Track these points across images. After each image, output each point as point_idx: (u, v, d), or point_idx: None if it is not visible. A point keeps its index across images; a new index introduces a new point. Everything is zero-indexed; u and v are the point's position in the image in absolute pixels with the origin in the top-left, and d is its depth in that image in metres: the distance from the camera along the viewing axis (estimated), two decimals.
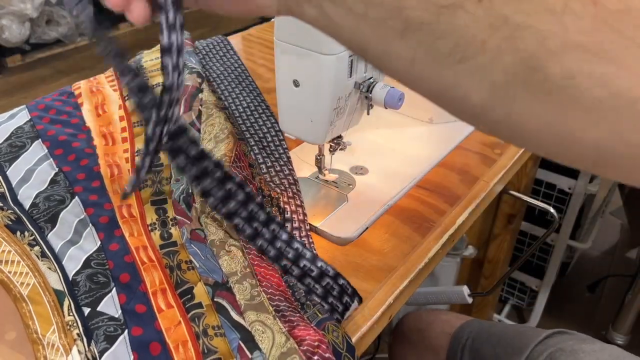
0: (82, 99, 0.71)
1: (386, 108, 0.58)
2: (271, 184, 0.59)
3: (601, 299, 1.58)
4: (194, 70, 0.71)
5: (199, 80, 0.69)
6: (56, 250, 0.52)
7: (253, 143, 0.63)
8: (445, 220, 0.60)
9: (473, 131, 0.76)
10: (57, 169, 0.60)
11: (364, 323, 0.48)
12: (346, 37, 0.28)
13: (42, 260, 0.51)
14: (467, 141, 0.74)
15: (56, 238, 0.53)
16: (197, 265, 0.50)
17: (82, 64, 2.47)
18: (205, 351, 0.44)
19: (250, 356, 0.43)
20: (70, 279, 0.49)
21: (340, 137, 0.62)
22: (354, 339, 0.46)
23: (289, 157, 0.62)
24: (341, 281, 0.47)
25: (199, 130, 0.63)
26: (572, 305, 1.56)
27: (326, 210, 0.61)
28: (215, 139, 0.61)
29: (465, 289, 0.87)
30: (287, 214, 0.56)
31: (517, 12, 0.22)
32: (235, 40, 1.04)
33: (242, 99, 0.69)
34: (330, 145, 0.63)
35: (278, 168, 0.61)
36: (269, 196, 0.57)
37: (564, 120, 0.23)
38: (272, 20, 0.47)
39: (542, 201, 0.88)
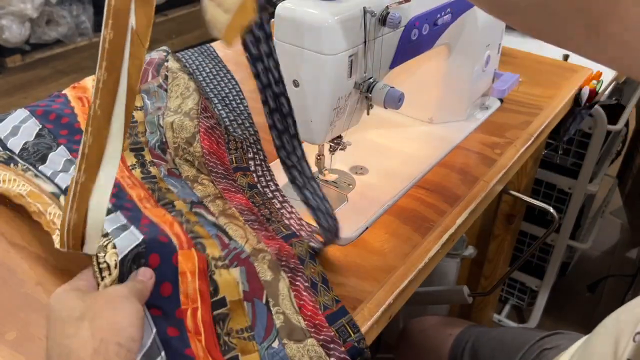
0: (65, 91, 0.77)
1: (386, 108, 0.58)
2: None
3: (601, 299, 1.58)
4: (160, 48, 0.80)
5: (164, 54, 0.77)
6: (48, 175, 0.58)
7: (217, 102, 0.71)
8: (445, 220, 0.60)
9: (473, 131, 0.76)
10: (41, 126, 0.66)
11: (364, 323, 0.48)
12: None
13: (35, 179, 0.57)
14: (467, 141, 0.74)
15: (47, 169, 0.59)
16: (175, 191, 0.59)
17: (82, 64, 2.46)
18: (189, 232, 0.51)
19: (227, 242, 0.52)
20: (64, 188, 0.55)
21: (340, 137, 0.62)
22: None
23: (249, 113, 0.69)
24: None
25: (166, 90, 0.71)
26: (572, 305, 1.56)
27: None
28: (182, 96, 0.69)
29: (465, 289, 0.87)
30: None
31: None
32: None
33: (204, 65, 0.78)
34: (330, 145, 0.63)
35: (240, 121, 0.67)
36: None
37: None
38: (272, 20, 0.47)
39: (542, 201, 0.88)
